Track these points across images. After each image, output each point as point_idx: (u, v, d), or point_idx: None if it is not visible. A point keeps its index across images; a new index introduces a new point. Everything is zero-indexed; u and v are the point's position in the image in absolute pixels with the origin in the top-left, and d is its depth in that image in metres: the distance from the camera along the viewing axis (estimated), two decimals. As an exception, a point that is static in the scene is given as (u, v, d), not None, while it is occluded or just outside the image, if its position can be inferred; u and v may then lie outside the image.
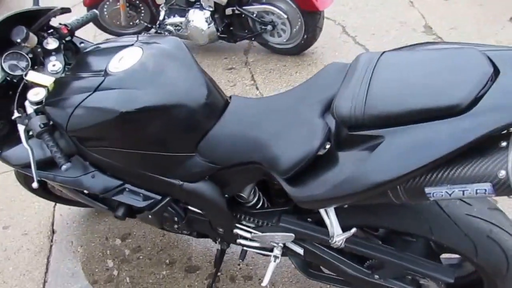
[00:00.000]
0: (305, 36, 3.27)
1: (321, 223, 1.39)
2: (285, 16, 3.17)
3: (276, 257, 1.55)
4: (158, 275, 2.01)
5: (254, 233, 1.55)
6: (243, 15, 3.30)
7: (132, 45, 1.46)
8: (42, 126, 1.39)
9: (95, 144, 1.47)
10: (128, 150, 1.43)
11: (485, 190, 0.92)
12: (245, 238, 1.60)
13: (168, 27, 3.58)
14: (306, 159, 1.18)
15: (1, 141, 1.59)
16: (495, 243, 1.23)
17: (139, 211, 1.64)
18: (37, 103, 1.43)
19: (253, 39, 3.50)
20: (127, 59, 1.40)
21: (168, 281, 1.98)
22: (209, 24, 3.40)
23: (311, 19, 3.15)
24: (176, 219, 1.63)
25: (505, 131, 0.91)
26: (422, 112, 0.95)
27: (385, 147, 0.99)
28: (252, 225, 1.57)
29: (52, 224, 2.35)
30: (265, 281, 1.56)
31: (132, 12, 3.73)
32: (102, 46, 1.57)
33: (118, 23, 3.75)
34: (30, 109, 1.43)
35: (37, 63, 1.54)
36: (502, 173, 0.88)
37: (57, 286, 2.00)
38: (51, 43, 1.56)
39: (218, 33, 3.47)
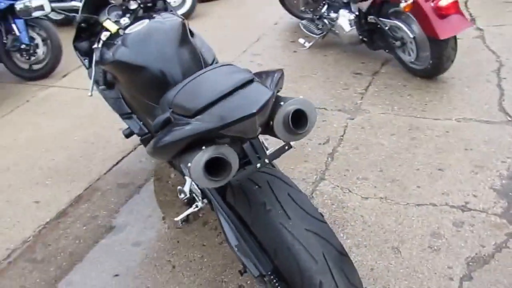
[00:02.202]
0: (431, 62, 3.14)
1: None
2: (411, 36, 3.12)
3: (196, 206, 1.88)
4: (166, 197, 2.58)
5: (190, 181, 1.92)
6: (378, 25, 3.37)
7: (152, 17, 2.00)
8: (98, 58, 2.08)
9: (115, 78, 2.11)
10: (126, 88, 2.02)
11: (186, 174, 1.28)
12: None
13: (325, 20, 3.92)
14: (158, 124, 1.54)
15: (91, 61, 2.38)
16: (293, 258, 1.30)
17: (137, 135, 2.22)
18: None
19: (387, 50, 3.53)
20: (138, 26, 1.95)
21: (168, 205, 2.52)
22: (351, 27, 3.60)
23: (436, 46, 3.02)
24: None
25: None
26: (182, 109, 1.31)
27: (170, 126, 1.36)
28: None
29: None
30: (178, 218, 1.91)
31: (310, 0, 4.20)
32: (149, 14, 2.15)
33: (297, 6, 4.35)
34: (100, 44, 2.14)
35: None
36: (188, 165, 1.22)
37: (110, 175, 2.82)
38: (132, 5, 2.18)
39: (361, 37, 3.63)
